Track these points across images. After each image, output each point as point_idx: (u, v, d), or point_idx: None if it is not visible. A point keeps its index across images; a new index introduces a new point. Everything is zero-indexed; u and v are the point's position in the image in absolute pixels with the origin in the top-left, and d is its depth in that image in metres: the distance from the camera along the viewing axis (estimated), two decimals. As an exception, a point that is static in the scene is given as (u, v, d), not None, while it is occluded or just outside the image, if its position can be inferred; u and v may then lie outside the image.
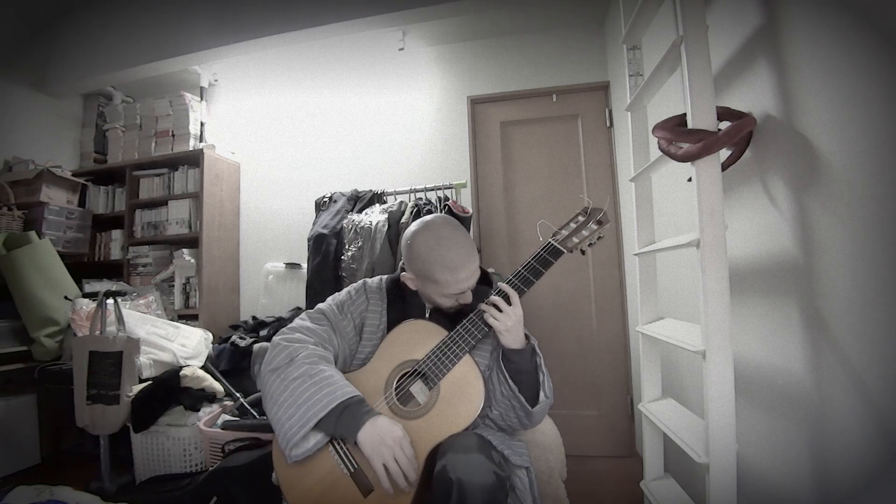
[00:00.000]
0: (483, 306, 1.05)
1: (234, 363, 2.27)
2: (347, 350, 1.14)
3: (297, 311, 2.62)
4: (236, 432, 1.75)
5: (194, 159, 2.73)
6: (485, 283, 1.23)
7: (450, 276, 1.04)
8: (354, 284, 1.24)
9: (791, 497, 0.96)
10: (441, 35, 2.64)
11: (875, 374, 0.74)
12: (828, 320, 0.84)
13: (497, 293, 1.06)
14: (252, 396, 2.00)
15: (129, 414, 1.83)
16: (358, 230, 2.28)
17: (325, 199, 2.53)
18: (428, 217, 1.12)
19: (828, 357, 0.84)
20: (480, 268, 1.25)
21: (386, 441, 0.92)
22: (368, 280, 1.25)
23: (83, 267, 2.74)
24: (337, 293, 1.23)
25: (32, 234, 2.32)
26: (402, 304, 1.16)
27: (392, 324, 1.15)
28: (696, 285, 0.97)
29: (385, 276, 1.26)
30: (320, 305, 1.19)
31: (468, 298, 1.10)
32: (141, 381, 1.91)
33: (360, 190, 2.52)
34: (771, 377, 1.01)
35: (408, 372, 1.06)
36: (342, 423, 0.95)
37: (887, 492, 0.71)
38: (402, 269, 1.17)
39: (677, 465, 1.42)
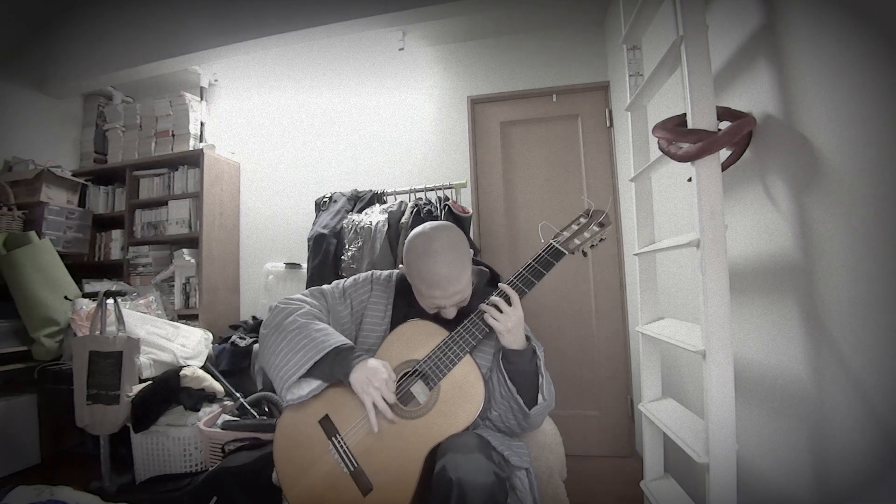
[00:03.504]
0: (483, 307, 1.05)
1: (234, 363, 2.27)
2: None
3: (297, 311, 2.61)
4: (236, 432, 1.75)
5: (194, 159, 2.73)
6: (491, 283, 1.23)
7: (425, 289, 1.06)
8: (363, 273, 1.25)
9: (791, 497, 0.96)
10: (441, 35, 2.64)
11: (875, 375, 0.74)
12: (828, 320, 0.84)
13: (497, 294, 1.06)
14: (252, 396, 2.00)
15: (129, 414, 1.83)
16: (358, 230, 2.28)
17: (325, 199, 2.53)
18: (434, 224, 1.13)
19: (828, 357, 0.84)
20: (489, 268, 1.25)
21: (374, 382, 0.98)
22: (377, 271, 1.25)
23: (83, 267, 2.74)
24: (344, 278, 1.25)
25: (32, 234, 2.32)
26: (409, 300, 1.16)
27: (396, 318, 1.15)
28: (696, 285, 0.97)
29: (396, 271, 1.25)
30: (323, 286, 1.22)
31: (448, 314, 1.10)
32: (141, 381, 1.91)
33: (360, 190, 2.52)
34: (771, 377, 1.01)
35: (408, 372, 1.06)
36: (336, 366, 1.01)
37: (887, 492, 0.71)
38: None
39: (677, 465, 1.41)
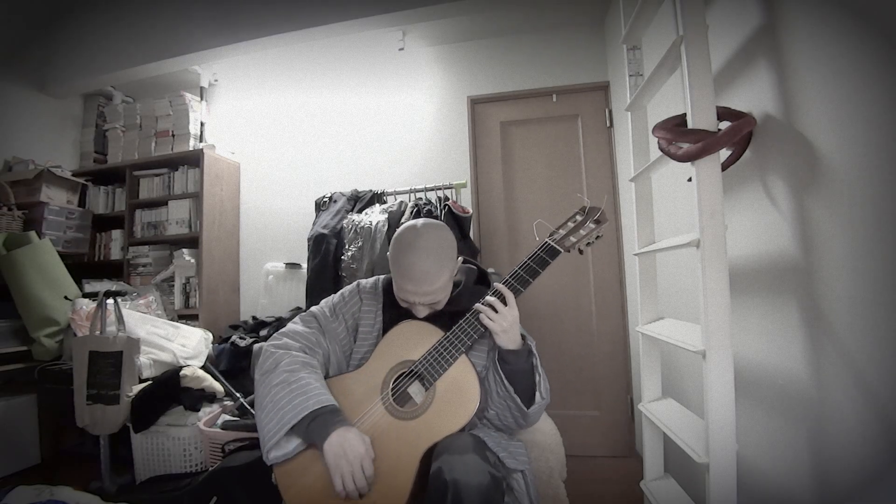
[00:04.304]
0: (479, 307, 1.05)
1: (234, 363, 2.27)
2: (339, 352, 1.14)
3: (297, 311, 2.61)
4: (236, 432, 1.75)
5: (194, 159, 2.73)
6: (483, 283, 1.22)
7: (399, 279, 1.06)
8: (348, 286, 1.24)
9: (791, 497, 0.96)
10: (441, 35, 2.64)
11: (875, 374, 0.74)
12: (828, 320, 0.84)
13: (493, 294, 1.06)
14: (252, 396, 2.00)
15: (129, 414, 1.82)
16: (358, 230, 2.28)
17: (325, 199, 2.53)
18: (428, 220, 1.12)
19: (828, 357, 0.84)
20: (478, 268, 1.25)
21: (347, 457, 0.92)
22: (363, 281, 1.25)
23: (83, 267, 2.73)
24: (332, 295, 1.23)
25: (32, 234, 2.32)
26: (398, 303, 1.15)
27: (388, 324, 1.15)
28: (696, 285, 0.97)
29: (382, 277, 1.25)
30: (312, 308, 1.20)
31: (418, 312, 1.10)
32: (141, 381, 1.91)
33: (360, 190, 2.52)
34: (771, 377, 1.01)
35: (404, 372, 1.06)
36: (312, 431, 0.96)
37: (887, 492, 0.71)
38: None
39: (677, 465, 1.41)
